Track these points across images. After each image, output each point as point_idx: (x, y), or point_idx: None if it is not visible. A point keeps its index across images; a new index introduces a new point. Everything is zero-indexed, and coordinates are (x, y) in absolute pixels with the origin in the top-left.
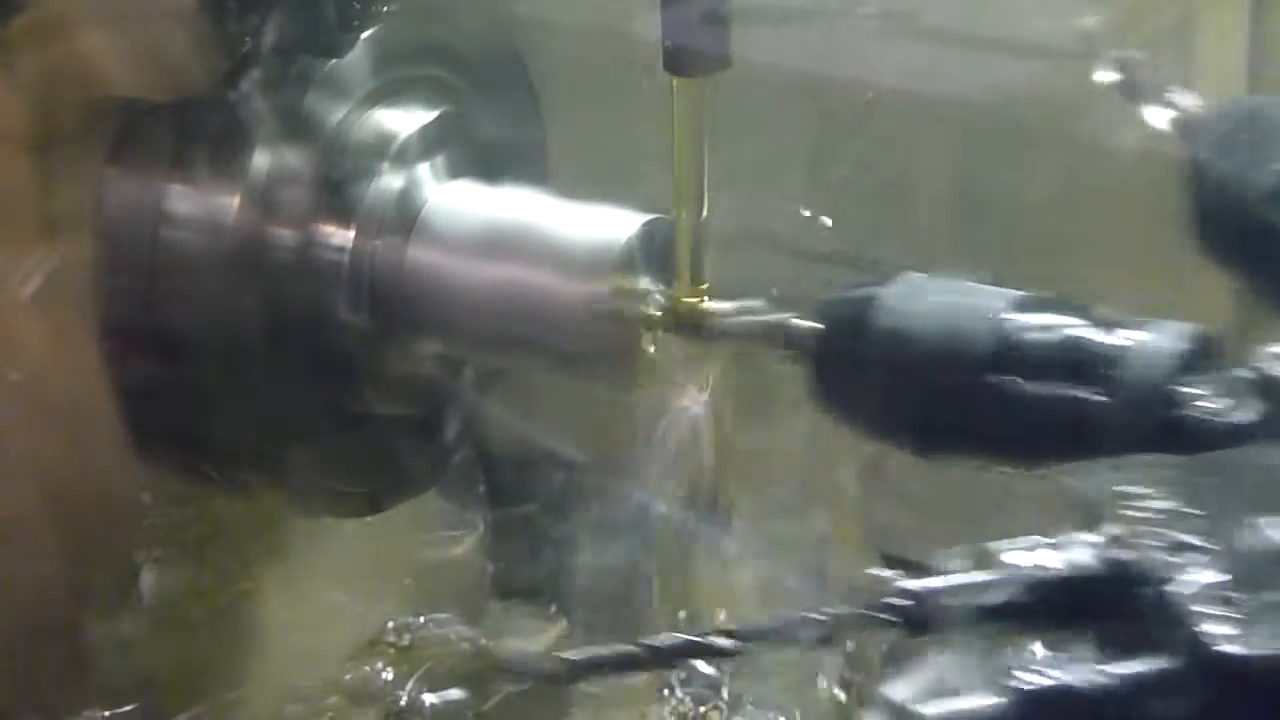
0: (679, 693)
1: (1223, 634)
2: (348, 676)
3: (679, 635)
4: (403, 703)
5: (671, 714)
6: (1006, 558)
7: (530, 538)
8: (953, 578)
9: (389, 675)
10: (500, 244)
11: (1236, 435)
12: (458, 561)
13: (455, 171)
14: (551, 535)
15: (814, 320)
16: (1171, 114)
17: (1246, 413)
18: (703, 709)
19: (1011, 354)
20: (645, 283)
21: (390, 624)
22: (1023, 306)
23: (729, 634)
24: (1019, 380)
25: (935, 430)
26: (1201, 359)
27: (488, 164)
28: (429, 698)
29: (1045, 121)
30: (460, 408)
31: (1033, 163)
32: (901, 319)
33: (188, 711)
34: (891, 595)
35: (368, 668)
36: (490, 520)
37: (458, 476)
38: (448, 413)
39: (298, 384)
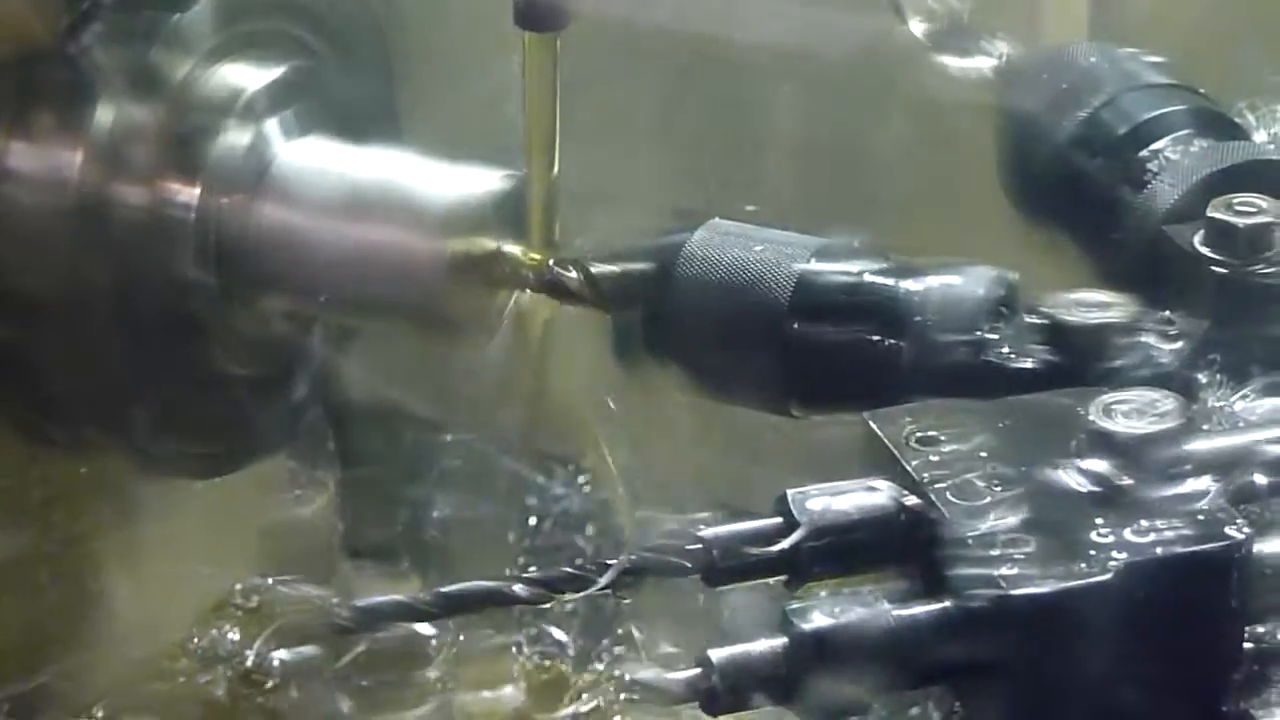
0: (527, 650)
1: (1015, 575)
2: (195, 640)
3: (477, 583)
4: (249, 663)
5: (519, 670)
6: (808, 504)
7: (380, 496)
8: (745, 524)
9: (236, 636)
10: (353, 201)
11: (1032, 380)
12: (307, 521)
13: (306, 128)
14: (402, 494)
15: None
16: (993, 63)
17: (1042, 357)
18: (549, 663)
19: (810, 301)
20: (501, 240)
21: (238, 586)
22: (823, 254)
23: (528, 581)
24: (817, 327)
25: (736, 379)
26: (1001, 304)
27: (339, 120)
28: (280, 654)
29: (894, 75)
30: (310, 367)
31: (881, 116)
32: (703, 268)
33: (31, 678)
34: (688, 543)
35: (215, 630)
36: (339, 479)
37: (307, 436)
38: (297, 372)
39: (143, 344)
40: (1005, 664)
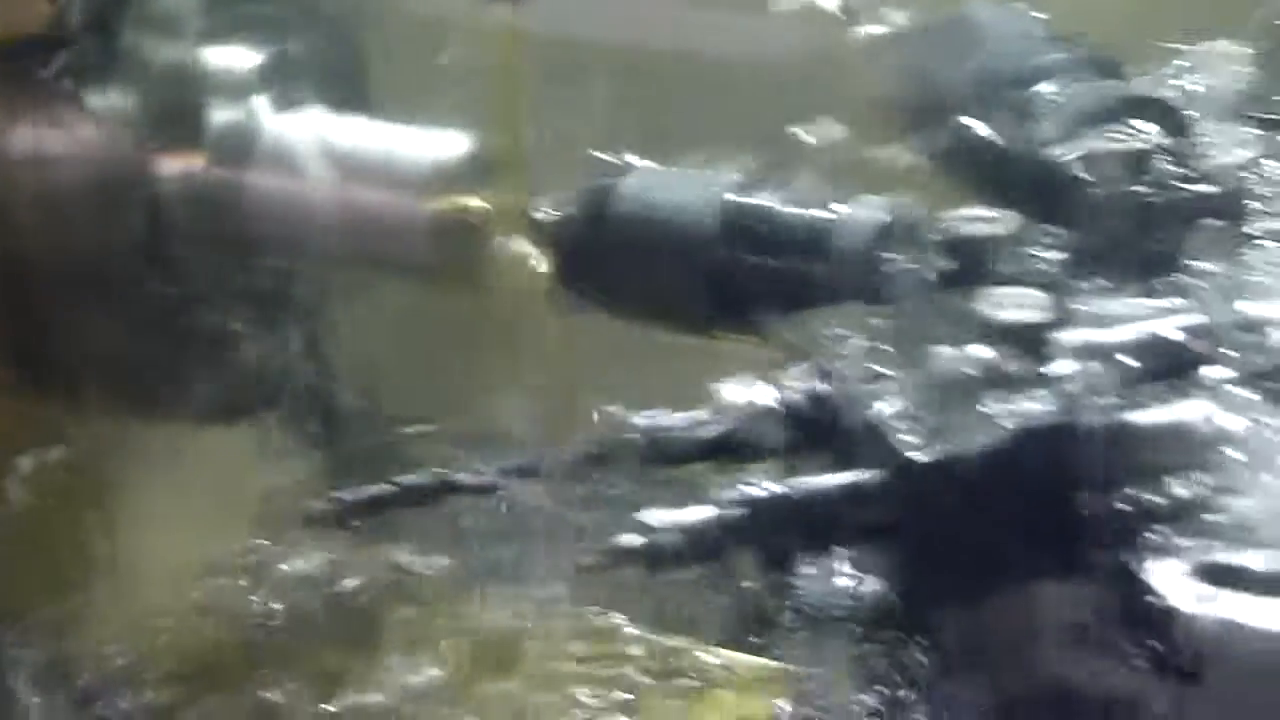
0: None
1: (913, 444)
2: (196, 594)
3: (435, 473)
4: (255, 609)
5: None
6: (725, 394)
7: (361, 467)
8: (678, 416)
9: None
10: (339, 166)
11: (928, 286)
12: (293, 488)
13: (291, 100)
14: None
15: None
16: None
17: (937, 267)
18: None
19: (736, 231)
20: (477, 194)
21: (236, 546)
22: (742, 188)
23: (481, 472)
24: (743, 254)
25: (672, 305)
26: (898, 225)
27: (320, 92)
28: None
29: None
30: (303, 327)
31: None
32: (637, 206)
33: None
34: (626, 433)
35: (215, 584)
36: (323, 449)
37: (297, 405)
38: (291, 331)
39: (146, 305)
40: (910, 525)
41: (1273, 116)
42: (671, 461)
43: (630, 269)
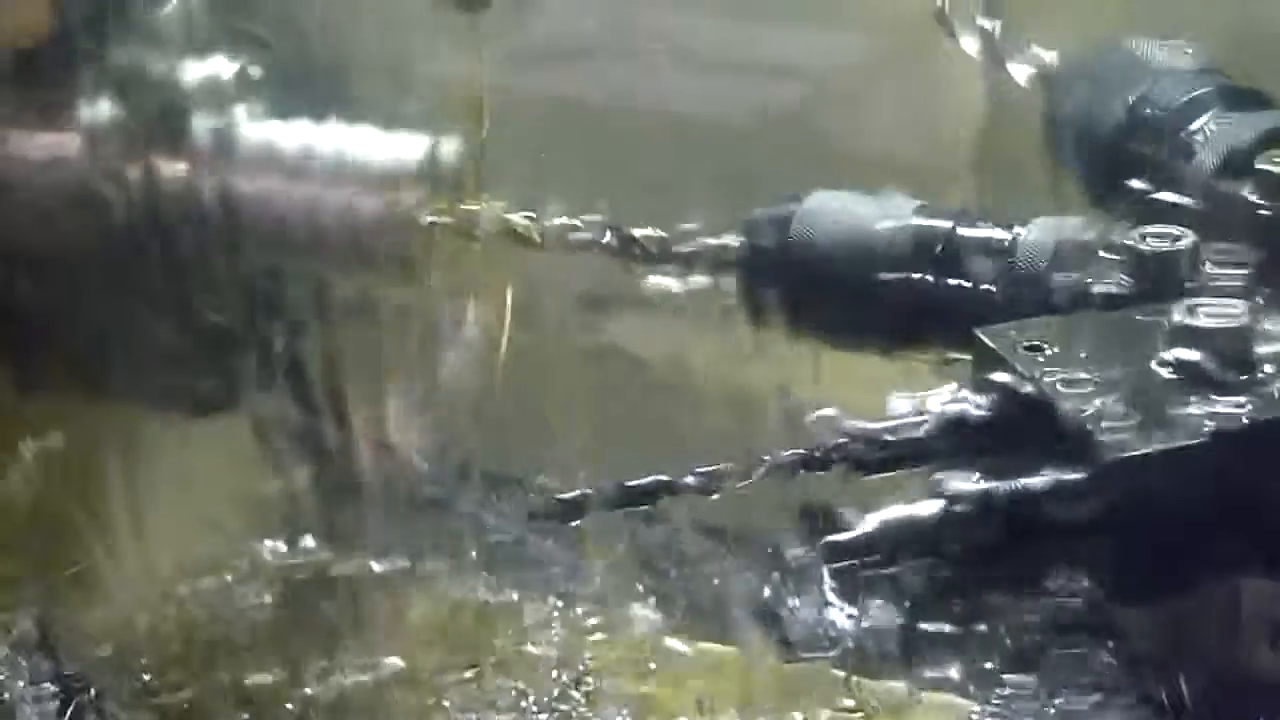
0: None
1: (1120, 440)
2: (185, 589)
3: (654, 477)
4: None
5: None
6: (929, 403)
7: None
8: (889, 420)
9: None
10: (310, 168)
11: (1109, 301)
12: (283, 494)
13: (269, 107)
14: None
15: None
16: (1031, 69)
17: (1116, 283)
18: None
19: (919, 253)
20: (436, 193)
21: (229, 546)
22: (923, 211)
23: (697, 474)
24: (931, 275)
25: (856, 324)
26: (1078, 244)
27: (297, 99)
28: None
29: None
30: (284, 319)
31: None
32: (820, 229)
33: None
34: (839, 437)
35: (204, 583)
36: (310, 460)
37: (283, 414)
38: (274, 324)
39: (136, 300)
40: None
41: None
42: (881, 468)
43: (816, 291)
